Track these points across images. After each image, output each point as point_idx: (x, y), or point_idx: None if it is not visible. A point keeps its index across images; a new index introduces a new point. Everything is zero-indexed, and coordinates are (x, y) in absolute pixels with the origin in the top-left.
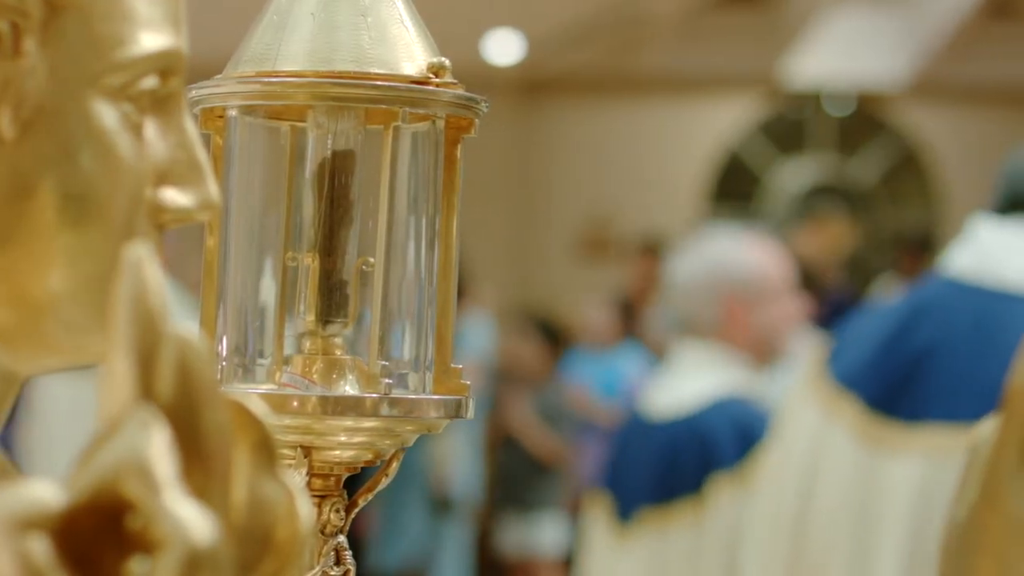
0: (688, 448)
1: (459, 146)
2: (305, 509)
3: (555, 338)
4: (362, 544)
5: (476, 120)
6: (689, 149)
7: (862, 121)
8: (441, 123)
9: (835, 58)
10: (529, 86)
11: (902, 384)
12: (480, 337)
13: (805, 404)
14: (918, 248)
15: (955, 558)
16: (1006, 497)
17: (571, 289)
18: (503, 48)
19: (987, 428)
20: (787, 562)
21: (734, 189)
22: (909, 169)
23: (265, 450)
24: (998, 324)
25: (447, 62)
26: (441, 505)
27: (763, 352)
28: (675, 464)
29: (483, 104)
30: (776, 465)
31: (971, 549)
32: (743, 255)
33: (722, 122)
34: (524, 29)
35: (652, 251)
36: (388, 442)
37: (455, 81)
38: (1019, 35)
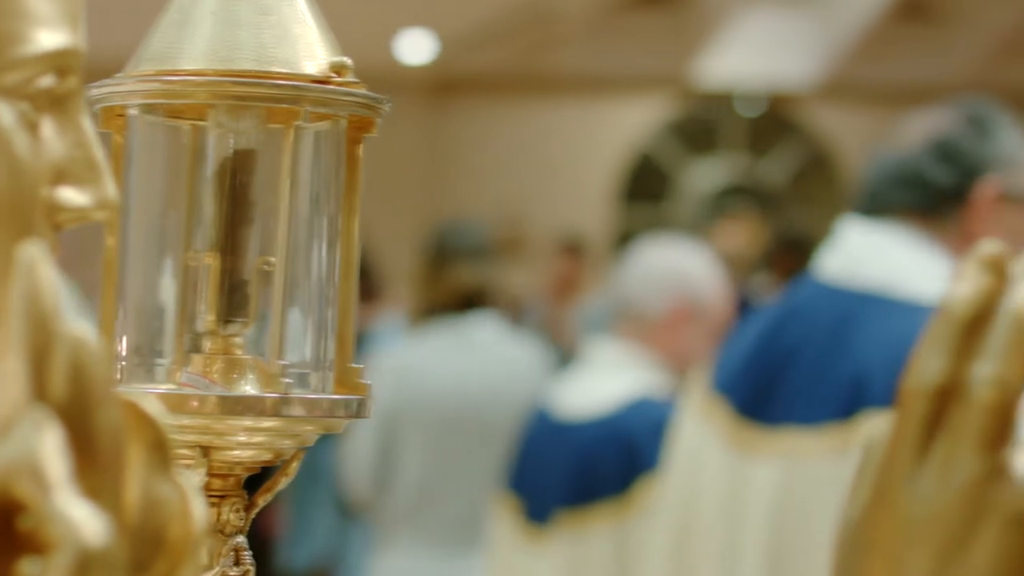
0: (609, 450)
1: (361, 146)
2: (199, 509)
3: None
4: (271, 544)
5: (378, 120)
6: (600, 149)
7: (772, 122)
8: (343, 122)
9: (746, 59)
10: (441, 85)
11: (768, 388)
12: (393, 337)
13: (687, 413)
14: (794, 249)
15: (847, 558)
16: (899, 497)
17: None
18: (415, 48)
19: (881, 427)
20: (672, 573)
21: (645, 189)
22: (818, 170)
23: (159, 450)
24: (855, 325)
25: (349, 61)
26: (350, 505)
27: (677, 368)
28: (595, 466)
29: (385, 104)
30: (664, 476)
31: (863, 549)
32: (707, 274)
33: (633, 122)
34: (436, 29)
35: (574, 251)
36: (288, 442)
37: (357, 80)
38: (929, 36)
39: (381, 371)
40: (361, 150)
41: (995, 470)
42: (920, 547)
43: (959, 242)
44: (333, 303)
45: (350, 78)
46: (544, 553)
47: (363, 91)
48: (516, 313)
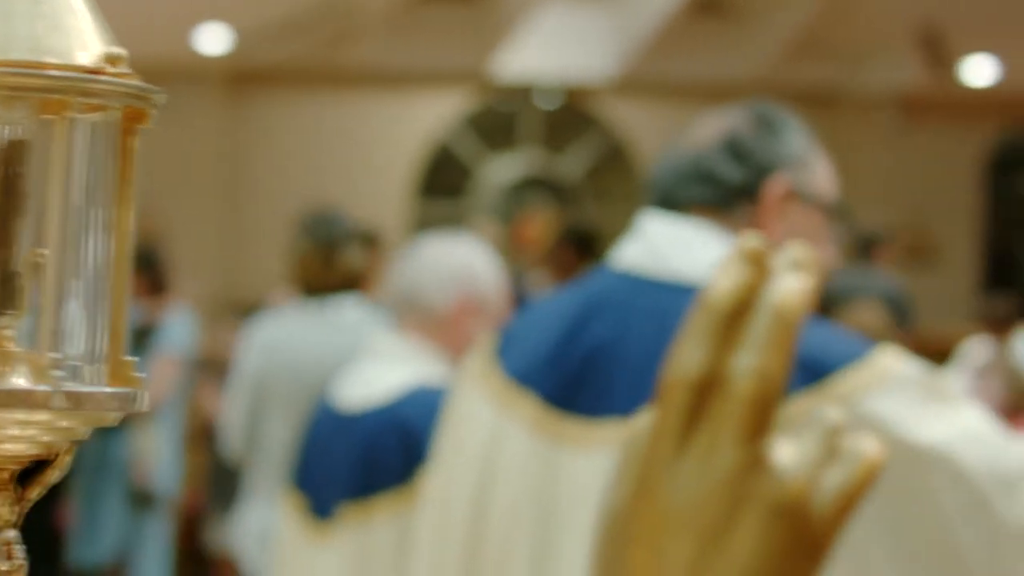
0: (388, 440)
1: (135, 137)
2: None
3: None
4: (63, 539)
5: (153, 111)
6: (400, 143)
7: (569, 116)
8: (116, 114)
9: (544, 53)
10: (239, 78)
11: (579, 380)
12: (181, 330)
13: (478, 401)
14: (576, 244)
15: (610, 549)
16: (660, 488)
17: (282, 282)
18: (212, 40)
19: (643, 419)
20: (463, 562)
21: (444, 182)
22: (614, 164)
23: None
24: (671, 316)
25: (122, 52)
26: (141, 499)
27: (461, 361)
28: (376, 457)
29: (158, 95)
30: (448, 464)
31: (625, 540)
32: (489, 269)
33: (432, 116)
34: (233, 21)
35: (371, 243)
36: (59, 436)
37: (130, 71)
38: (723, 33)
39: (252, 343)
40: (136, 142)
41: (754, 461)
42: (680, 537)
43: None
44: (106, 295)
45: (123, 69)
46: (329, 547)
47: (136, 82)
48: None
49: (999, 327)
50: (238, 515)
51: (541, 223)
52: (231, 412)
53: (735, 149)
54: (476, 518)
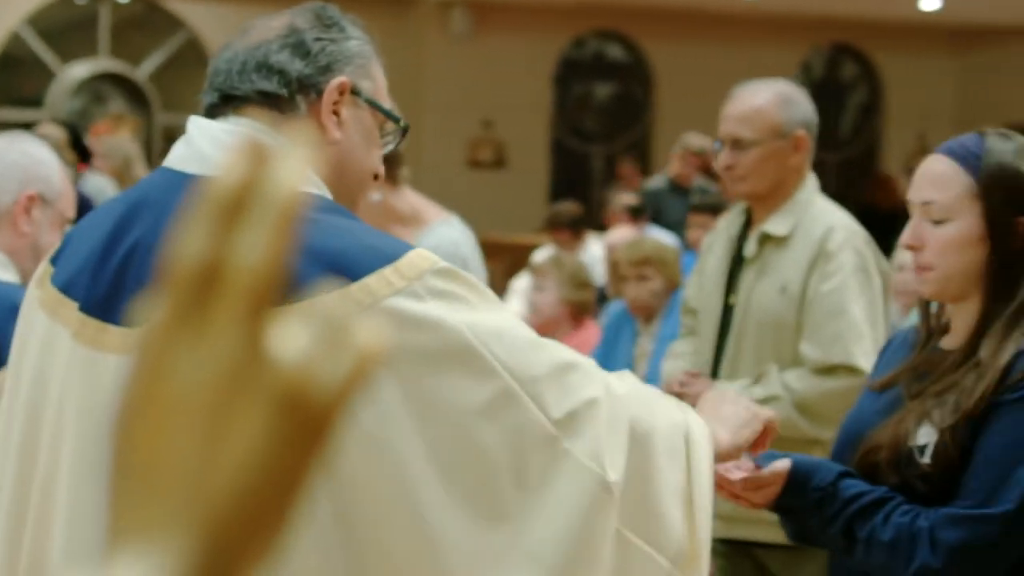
0: None
1: None
2: None
3: None
4: None
5: None
6: None
7: (144, 15)
8: None
9: None
10: None
11: (117, 286)
12: None
13: (35, 305)
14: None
15: (119, 443)
16: (164, 378)
17: None
18: None
19: (153, 311)
20: (20, 461)
21: (16, 81)
22: (189, 63)
23: None
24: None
25: None
26: None
27: (35, 256)
28: None
29: None
30: (13, 364)
31: (132, 433)
32: (45, 156)
33: (5, 11)
34: None
35: None
36: None
37: None
38: None
39: None
40: None
41: (256, 349)
42: (183, 428)
43: None
44: None
45: None
46: None
47: None
48: None
49: (564, 232)
50: None
51: (123, 123)
52: None
53: (298, 44)
54: (32, 420)
